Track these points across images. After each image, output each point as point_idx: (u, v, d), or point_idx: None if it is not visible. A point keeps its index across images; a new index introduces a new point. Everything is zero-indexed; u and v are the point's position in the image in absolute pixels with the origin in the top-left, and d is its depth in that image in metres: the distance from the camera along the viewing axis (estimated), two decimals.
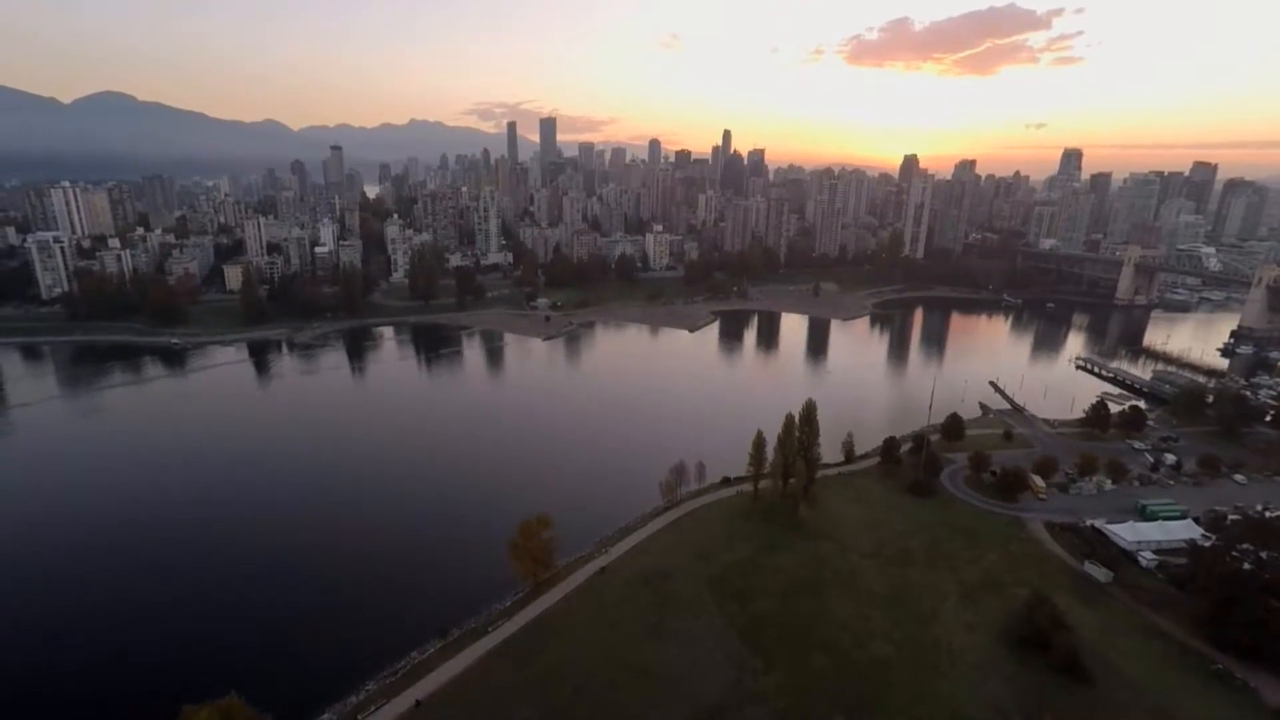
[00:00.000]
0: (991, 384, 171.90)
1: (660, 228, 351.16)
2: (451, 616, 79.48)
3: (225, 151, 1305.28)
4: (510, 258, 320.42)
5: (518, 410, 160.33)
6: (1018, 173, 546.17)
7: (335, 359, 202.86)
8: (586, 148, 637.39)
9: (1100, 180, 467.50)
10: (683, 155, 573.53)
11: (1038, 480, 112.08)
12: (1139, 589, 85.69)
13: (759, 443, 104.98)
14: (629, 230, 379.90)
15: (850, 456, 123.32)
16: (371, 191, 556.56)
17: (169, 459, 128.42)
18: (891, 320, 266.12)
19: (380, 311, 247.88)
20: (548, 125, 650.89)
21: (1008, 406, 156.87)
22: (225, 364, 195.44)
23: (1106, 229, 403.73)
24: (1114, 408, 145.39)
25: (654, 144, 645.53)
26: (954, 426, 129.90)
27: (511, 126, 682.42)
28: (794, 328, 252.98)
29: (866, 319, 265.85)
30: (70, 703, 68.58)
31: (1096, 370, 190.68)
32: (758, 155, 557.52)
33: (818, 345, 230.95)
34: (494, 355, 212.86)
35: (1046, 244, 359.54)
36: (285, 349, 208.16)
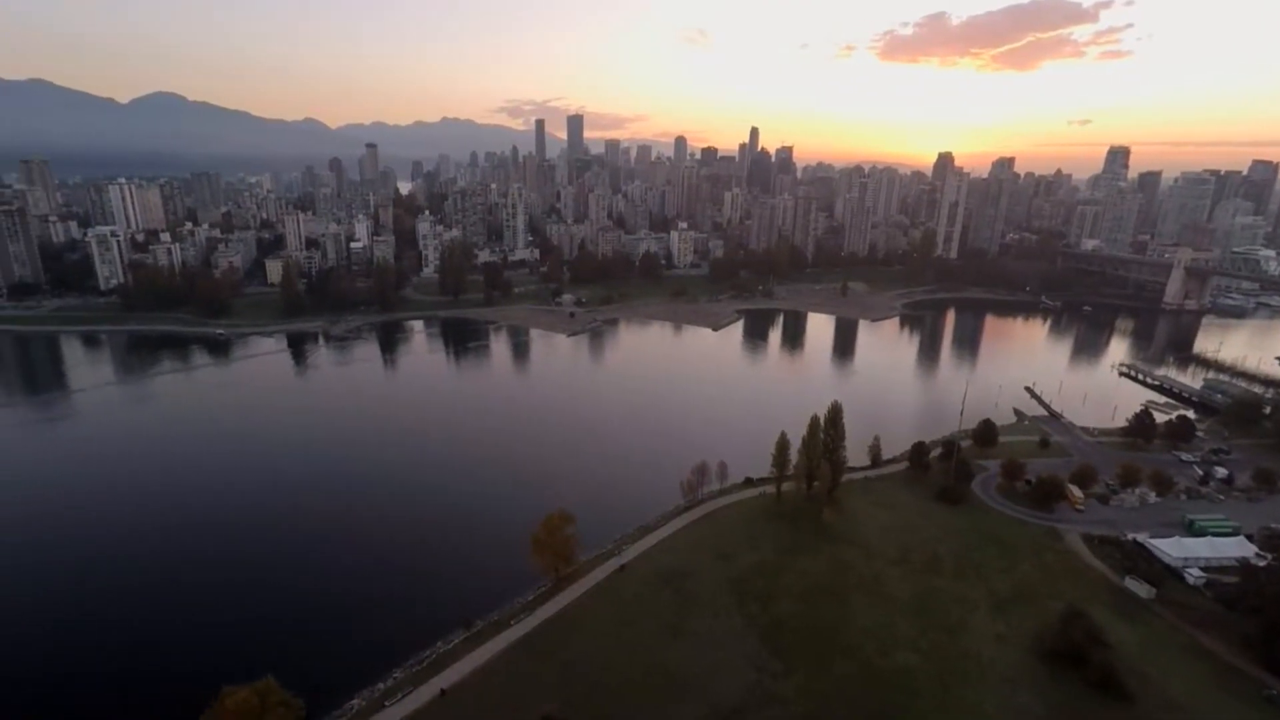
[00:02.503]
0: (1027, 389, 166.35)
1: (685, 225, 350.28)
2: (475, 608, 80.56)
3: (268, 149, 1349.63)
4: (537, 254, 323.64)
5: (541, 405, 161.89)
6: (1059, 171, 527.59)
7: (368, 351, 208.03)
8: (613, 145, 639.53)
9: (1149, 179, 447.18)
10: (709, 152, 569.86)
11: (1075, 490, 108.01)
12: (1185, 607, 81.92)
13: (782, 444, 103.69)
14: (654, 227, 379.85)
15: (877, 460, 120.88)
16: (405, 188, 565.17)
17: (212, 446, 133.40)
18: (922, 321, 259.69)
19: (411, 306, 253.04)
20: (575, 123, 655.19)
21: (1044, 413, 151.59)
22: (265, 354, 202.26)
23: (1155, 230, 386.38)
24: (1160, 417, 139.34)
25: (680, 141, 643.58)
26: (986, 433, 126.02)
27: (539, 124, 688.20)
28: (820, 328, 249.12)
29: (896, 320, 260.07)
30: (116, 681, 71.48)
31: (1141, 377, 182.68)
32: (785, 153, 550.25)
33: (845, 346, 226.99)
34: (519, 350, 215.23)
35: (1089, 245, 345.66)
36: (321, 340, 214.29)
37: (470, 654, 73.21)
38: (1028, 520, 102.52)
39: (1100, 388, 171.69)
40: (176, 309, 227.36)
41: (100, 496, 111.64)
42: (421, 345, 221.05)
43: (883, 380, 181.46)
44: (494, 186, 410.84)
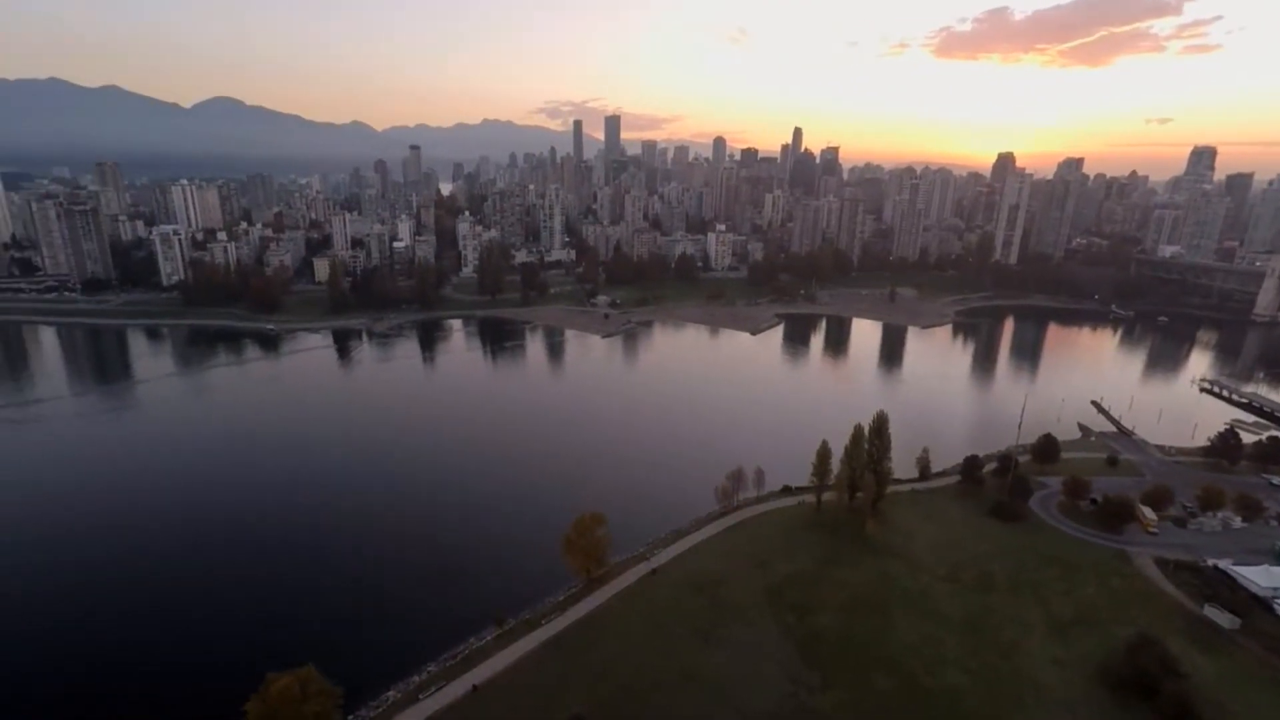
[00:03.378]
0: (1094, 404, 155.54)
1: (723, 227, 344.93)
2: (506, 606, 79.95)
3: (318, 151, 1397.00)
4: (573, 254, 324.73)
5: (574, 406, 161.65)
6: (1134, 173, 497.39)
7: (408, 349, 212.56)
8: (649, 146, 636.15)
9: (1238, 181, 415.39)
10: (749, 154, 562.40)
11: (1147, 512, 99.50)
12: (1274, 639, 74.09)
13: (824, 453, 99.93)
14: (690, 229, 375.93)
15: (925, 473, 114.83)
16: (446, 189, 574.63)
17: (257, 440, 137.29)
18: (977, 330, 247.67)
19: (450, 305, 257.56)
20: (612, 123, 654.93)
21: (1113, 429, 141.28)
22: (312, 349, 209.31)
23: (1244, 236, 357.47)
24: (1247, 437, 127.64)
25: (718, 142, 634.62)
26: (1047, 448, 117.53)
27: (577, 125, 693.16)
28: (866, 334, 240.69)
29: (948, 327, 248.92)
30: (165, 668, 72.73)
31: (1226, 394, 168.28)
32: (831, 153, 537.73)
33: (892, 353, 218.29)
34: (554, 350, 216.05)
35: (1167, 251, 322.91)
36: (365, 338, 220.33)
37: (502, 651, 72.54)
38: (1092, 541, 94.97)
39: (1178, 404, 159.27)
40: (231, 305, 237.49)
41: (151, 488, 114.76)
42: (460, 344, 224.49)
43: (932, 390, 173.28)
44: (532, 187, 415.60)
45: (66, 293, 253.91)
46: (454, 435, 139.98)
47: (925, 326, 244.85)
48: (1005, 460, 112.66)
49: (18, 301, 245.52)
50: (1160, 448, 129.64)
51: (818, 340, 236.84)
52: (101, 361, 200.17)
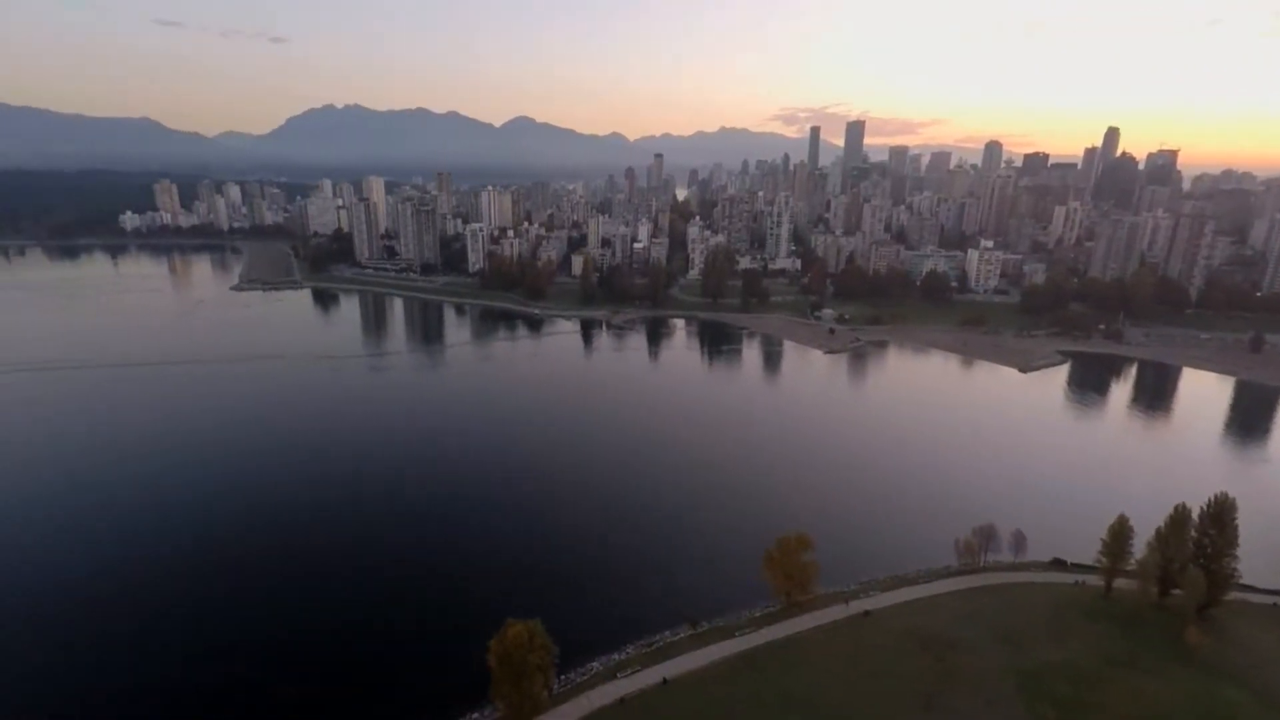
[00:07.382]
0: None
1: (990, 243, 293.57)
2: (700, 608, 79.97)
3: (584, 160, 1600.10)
4: (798, 264, 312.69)
5: (787, 419, 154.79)
6: None
7: (637, 342, 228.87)
8: (898, 152, 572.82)
9: None
10: (1035, 159, 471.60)
11: None
12: None
13: (1120, 530, 78.45)
14: (945, 244, 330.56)
15: None
16: (681, 194, 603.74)
17: (517, 415, 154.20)
18: None
19: (676, 304, 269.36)
20: (854, 129, 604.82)
21: None
22: (564, 333, 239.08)
23: None
24: None
25: (991, 146, 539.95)
26: None
27: (814, 131, 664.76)
28: (1204, 391, 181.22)
29: None
30: (430, 605, 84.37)
31: None
32: (1165, 158, 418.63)
33: (1248, 421, 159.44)
34: (771, 360, 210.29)
35: None
36: (604, 328, 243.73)
37: (693, 652, 72.60)
38: None
39: None
40: (512, 290, 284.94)
41: (434, 446, 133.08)
42: (681, 342, 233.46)
43: None
44: (761, 194, 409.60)
45: (411, 273, 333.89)
46: (668, 430, 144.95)
47: None
48: None
49: (384, 278, 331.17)
50: None
51: (1121, 390, 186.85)
52: (427, 328, 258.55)
